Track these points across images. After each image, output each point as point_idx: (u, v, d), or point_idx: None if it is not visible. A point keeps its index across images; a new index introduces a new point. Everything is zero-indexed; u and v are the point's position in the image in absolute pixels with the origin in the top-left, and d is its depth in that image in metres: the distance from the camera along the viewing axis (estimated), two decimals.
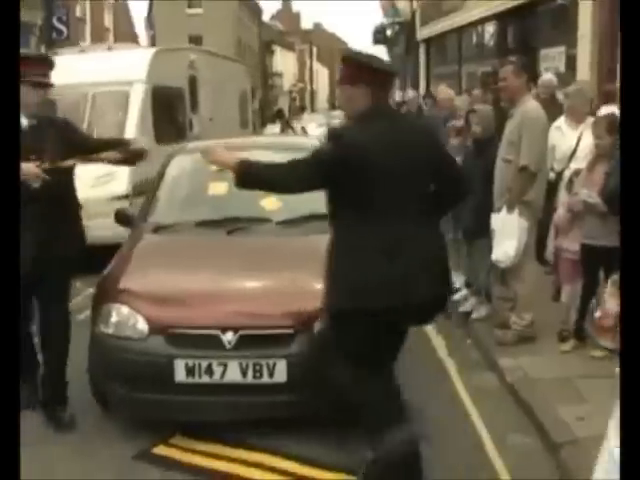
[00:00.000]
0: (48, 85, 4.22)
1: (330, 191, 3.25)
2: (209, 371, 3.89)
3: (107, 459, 3.97)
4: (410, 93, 12.76)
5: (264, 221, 4.84)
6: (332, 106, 62.35)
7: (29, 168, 3.90)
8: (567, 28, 9.99)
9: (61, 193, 4.23)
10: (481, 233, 5.62)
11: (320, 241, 4.63)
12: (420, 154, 3.23)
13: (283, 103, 60.19)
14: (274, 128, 24.71)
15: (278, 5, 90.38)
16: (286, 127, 23.10)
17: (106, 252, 4.94)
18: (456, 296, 6.43)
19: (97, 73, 9.11)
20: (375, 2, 61.28)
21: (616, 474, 2.36)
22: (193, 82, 11.38)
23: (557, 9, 10.77)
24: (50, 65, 4.27)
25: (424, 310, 3.31)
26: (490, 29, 14.02)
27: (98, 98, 8.97)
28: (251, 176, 3.20)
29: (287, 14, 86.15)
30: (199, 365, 3.89)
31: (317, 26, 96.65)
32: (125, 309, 4.10)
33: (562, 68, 10.13)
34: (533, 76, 6.26)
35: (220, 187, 5.04)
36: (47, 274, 4.25)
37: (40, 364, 4.55)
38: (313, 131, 20.47)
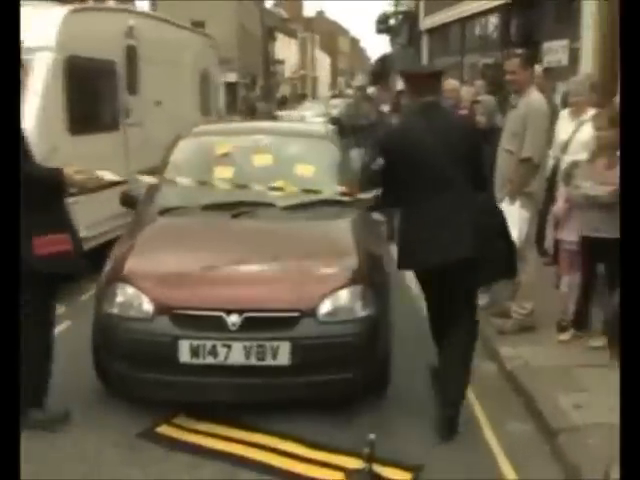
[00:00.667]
0: None
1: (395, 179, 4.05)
2: (213, 352, 3.93)
3: (111, 437, 4.02)
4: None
5: (269, 205, 4.88)
6: (333, 94, 62.32)
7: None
8: (570, 21, 10.00)
9: None
10: None
11: (323, 226, 4.74)
12: (458, 147, 3.98)
13: (284, 90, 60.23)
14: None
15: None
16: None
17: None
18: None
19: None
20: None
21: None
22: (132, 55, 8.62)
23: (561, 2, 10.77)
24: None
25: (470, 268, 3.89)
26: (493, 21, 14.02)
27: None
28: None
29: (290, 1, 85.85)
30: (203, 346, 3.93)
31: (319, 14, 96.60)
32: (130, 289, 4.13)
33: (565, 61, 10.15)
34: None
35: (226, 171, 5.08)
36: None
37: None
38: (312, 119, 20.45)
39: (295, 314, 3.99)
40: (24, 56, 4.52)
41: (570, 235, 5.18)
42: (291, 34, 71.94)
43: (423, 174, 3.94)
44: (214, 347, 3.93)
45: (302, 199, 4.91)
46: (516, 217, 5.13)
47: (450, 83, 9.26)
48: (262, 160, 5.19)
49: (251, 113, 19.95)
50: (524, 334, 5.35)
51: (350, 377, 4.05)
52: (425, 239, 3.93)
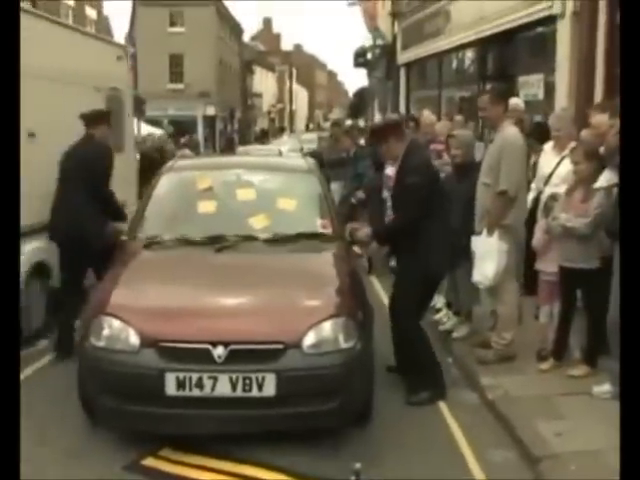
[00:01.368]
0: None
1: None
2: (199, 384, 3.96)
3: (97, 469, 4.02)
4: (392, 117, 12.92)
5: (252, 239, 4.95)
6: (307, 128, 62.84)
7: None
8: (545, 56, 10.25)
9: None
10: (462, 254, 5.77)
11: (306, 259, 4.82)
12: None
13: (262, 123, 60.57)
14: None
15: (259, 25, 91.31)
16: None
17: None
18: (437, 316, 6.59)
19: None
20: (356, 25, 62.00)
21: None
22: None
23: (536, 37, 11.04)
24: None
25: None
26: (470, 55, 14.30)
27: None
28: (387, 236, 5.12)
29: (268, 35, 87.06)
30: (190, 378, 3.96)
31: (297, 47, 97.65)
32: (117, 322, 4.16)
33: (541, 95, 10.38)
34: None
35: (209, 205, 5.16)
36: None
37: None
38: (287, 154, 20.59)
39: (280, 346, 4.04)
40: None
41: (549, 266, 5.30)
42: (269, 67, 72.78)
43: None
44: (200, 379, 3.96)
45: (284, 233, 4.99)
46: (494, 249, 5.24)
47: (427, 118, 9.48)
48: (245, 194, 5.28)
49: (229, 146, 20.09)
50: (505, 364, 5.42)
51: (334, 407, 4.10)
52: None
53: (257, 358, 4.02)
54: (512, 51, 11.90)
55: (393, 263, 5.82)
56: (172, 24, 43.44)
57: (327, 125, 39.39)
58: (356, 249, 5.39)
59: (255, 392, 3.97)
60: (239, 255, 4.84)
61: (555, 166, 5.79)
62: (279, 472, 4.00)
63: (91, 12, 26.36)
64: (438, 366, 5.13)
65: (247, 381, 3.96)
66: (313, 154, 11.75)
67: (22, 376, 5.35)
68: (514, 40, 11.60)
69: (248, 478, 3.96)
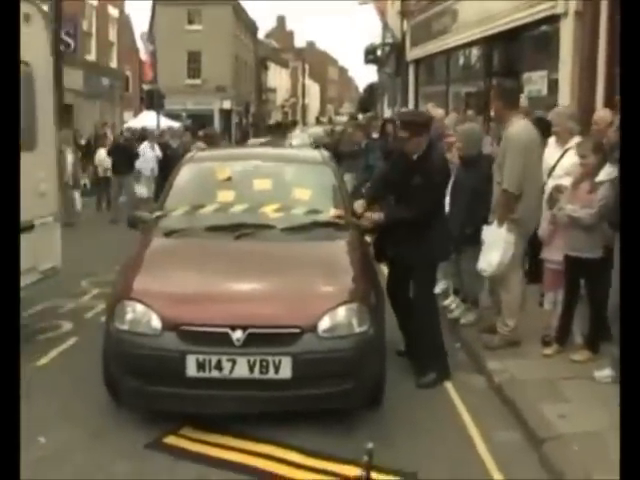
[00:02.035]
0: None
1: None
2: (219, 366, 4.14)
3: (120, 447, 4.21)
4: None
5: (269, 227, 5.12)
6: (317, 121, 63.52)
7: None
8: (549, 53, 10.39)
9: None
10: (468, 243, 5.94)
11: (321, 247, 4.99)
12: None
13: (276, 117, 61.31)
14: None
15: (273, 23, 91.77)
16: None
17: None
18: (446, 301, 6.77)
19: None
20: (366, 23, 62.12)
21: None
22: None
23: (540, 35, 11.19)
24: None
25: None
26: (476, 52, 14.45)
27: None
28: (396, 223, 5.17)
29: (281, 32, 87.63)
30: (209, 360, 4.14)
31: (310, 44, 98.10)
32: (140, 307, 4.34)
33: (544, 91, 10.52)
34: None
35: (227, 195, 5.33)
36: None
37: None
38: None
39: (296, 330, 4.21)
40: None
41: (554, 255, 5.46)
42: (283, 64, 73.34)
43: None
44: (219, 361, 4.13)
45: (300, 221, 5.16)
46: (502, 240, 5.40)
47: (435, 111, 9.61)
48: (262, 185, 5.43)
49: (244, 139, 20.43)
50: (510, 349, 5.60)
51: (348, 389, 4.26)
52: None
53: (274, 342, 4.19)
54: (517, 48, 12.05)
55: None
56: (190, 22, 44.31)
57: (338, 119, 39.65)
58: (367, 238, 5.54)
59: (272, 374, 4.14)
60: (257, 243, 4.99)
61: (558, 159, 5.95)
62: (294, 451, 4.15)
63: (113, 11, 26.57)
64: (444, 349, 5.31)
65: (264, 363, 4.13)
66: (325, 146, 11.81)
67: (47, 358, 5.65)
68: (519, 38, 11.75)
69: (264, 456, 4.11)
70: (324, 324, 4.25)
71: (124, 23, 29.45)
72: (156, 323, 4.26)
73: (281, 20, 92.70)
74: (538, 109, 9.62)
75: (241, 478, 3.91)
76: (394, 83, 23.10)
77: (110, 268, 6.09)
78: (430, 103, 11.34)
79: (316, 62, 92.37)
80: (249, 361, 4.13)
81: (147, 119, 25.21)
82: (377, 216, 5.16)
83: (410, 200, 5.10)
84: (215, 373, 4.14)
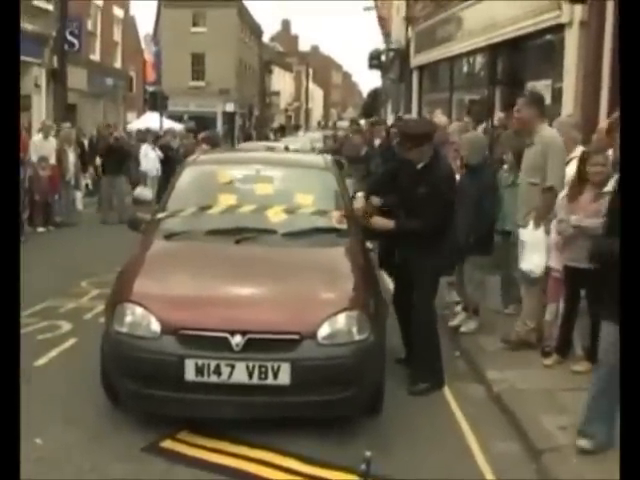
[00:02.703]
0: None
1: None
2: (217, 371, 4.12)
3: (117, 449, 4.19)
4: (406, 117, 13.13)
5: (270, 232, 5.10)
6: (319, 125, 63.87)
7: None
8: (554, 63, 10.41)
9: None
10: (471, 251, 5.93)
11: (322, 253, 4.97)
12: None
13: (279, 121, 61.63)
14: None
15: (278, 27, 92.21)
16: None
17: None
18: (445, 310, 6.76)
19: None
20: (371, 28, 62.46)
21: None
22: None
23: (544, 44, 11.20)
24: None
25: None
26: (480, 60, 14.46)
27: None
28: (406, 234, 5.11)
29: (286, 36, 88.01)
30: (208, 365, 4.12)
31: (314, 49, 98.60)
32: (139, 309, 4.33)
33: (548, 100, 10.53)
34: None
35: (229, 198, 5.32)
36: None
37: None
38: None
39: (296, 336, 4.19)
40: None
41: (557, 263, 5.46)
42: (287, 67, 73.65)
43: None
44: (218, 366, 4.12)
45: (301, 227, 5.15)
46: (542, 241, 5.43)
47: (440, 118, 9.61)
48: (263, 189, 5.43)
49: (247, 140, 20.52)
50: (510, 359, 5.59)
51: (347, 396, 4.25)
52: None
53: (273, 347, 4.17)
54: (521, 57, 12.07)
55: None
56: (195, 24, 44.32)
57: (340, 124, 39.77)
58: (369, 244, 5.53)
59: (270, 380, 4.12)
60: (257, 247, 4.97)
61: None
62: (292, 458, 4.13)
63: (118, 12, 26.62)
64: (440, 359, 5.28)
65: (263, 369, 4.11)
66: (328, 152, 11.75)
67: (46, 359, 5.64)
68: (523, 47, 11.77)
69: (262, 462, 4.09)
70: (324, 331, 4.24)
71: (129, 24, 29.47)
72: (155, 326, 4.25)
73: (286, 24, 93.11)
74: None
75: None
76: (398, 89, 23.17)
77: (110, 269, 6.07)
78: (438, 110, 11.32)
79: (320, 66, 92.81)
80: (248, 366, 4.12)
81: (150, 120, 25.26)
82: (387, 223, 5.12)
83: (416, 210, 5.06)
84: (214, 378, 4.13)
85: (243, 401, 4.20)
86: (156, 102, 25.79)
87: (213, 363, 4.12)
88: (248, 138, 29.15)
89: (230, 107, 45.24)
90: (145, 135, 17.62)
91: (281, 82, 68.34)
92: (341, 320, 4.31)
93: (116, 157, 14.34)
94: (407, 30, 20.39)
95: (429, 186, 5.01)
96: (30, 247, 10.21)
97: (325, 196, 5.64)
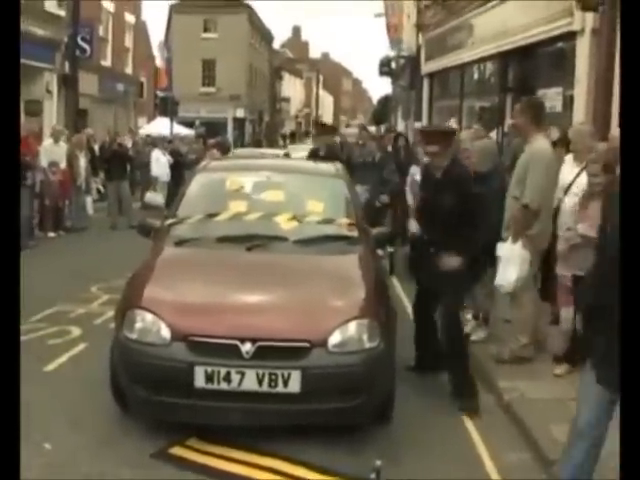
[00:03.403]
0: None
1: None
2: (227, 378, 4.12)
3: (126, 455, 4.20)
4: (416, 125, 13.13)
5: (281, 239, 5.10)
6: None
7: None
8: (565, 70, 10.37)
9: None
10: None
11: (333, 260, 4.97)
12: None
13: (289, 127, 61.83)
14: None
15: (288, 33, 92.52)
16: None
17: None
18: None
19: None
20: (381, 35, 62.62)
21: None
22: None
23: (556, 52, 11.16)
24: None
25: None
26: (491, 67, 14.43)
27: None
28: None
29: (297, 43, 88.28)
30: (218, 372, 4.12)
31: (324, 55, 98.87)
32: (149, 316, 4.33)
33: (559, 108, 10.50)
34: None
35: (239, 205, 5.32)
36: None
37: None
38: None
39: (306, 344, 4.18)
40: None
41: (565, 270, 5.42)
42: (297, 74, 73.73)
43: None
44: (228, 373, 4.11)
45: (313, 234, 5.14)
46: (517, 256, 5.38)
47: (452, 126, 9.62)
48: (274, 196, 5.43)
49: (257, 146, 20.58)
50: (521, 367, 5.55)
51: (357, 405, 4.23)
52: None
53: (283, 355, 4.16)
54: (532, 65, 12.02)
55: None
56: (206, 30, 44.53)
57: (349, 131, 39.68)
58: (379, 251, 5.52)
59: (280, 388, 4.11)
60: (268, 255, 4.97)
61: (575, 176, 5.91)
62: (301, 466, 4.12)
63: (130, 17, 26.78)
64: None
65: (273, 377, 4.10)
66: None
67: (56, 364, 5.66)
68: (535, 54, 11.72)
69: (271, 470, 4.08)
70: (334, 339, 4.23)
71: (140, 30, 29.65)
72: (165, 333, 4.25)
73: (296, 30, 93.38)
74: (552, 125, 9.59)
75: None
76: (408, 96, 23.14)
77: (121, 274, 6.10)
78: (453, 119, 11.30)
79: (330, 73, 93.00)
80: (258, 374, 4.11)
81: (161, 126, 25.36)
82: (455, 261, 5.05)
83: (446, 218, 5.08)
84: (224, 385, 4.12)
85: (253, 408, 4.19)
86: (166, 108, 25.90)
87: (223, 370, 4.12)
88: (258, 144, 29.25)
89: (240, 113, 45.49)
90: (154, 140, 17.73)
91: (291, 88, 68.49)
92: (352, 328, 4.30)
93: (120, 163, 14.46)
94: (418, 37, 20.39)
95: (454, 195, 5.01)
96: (41, 252, 10.27)
97: (336, 203, 5.63)
